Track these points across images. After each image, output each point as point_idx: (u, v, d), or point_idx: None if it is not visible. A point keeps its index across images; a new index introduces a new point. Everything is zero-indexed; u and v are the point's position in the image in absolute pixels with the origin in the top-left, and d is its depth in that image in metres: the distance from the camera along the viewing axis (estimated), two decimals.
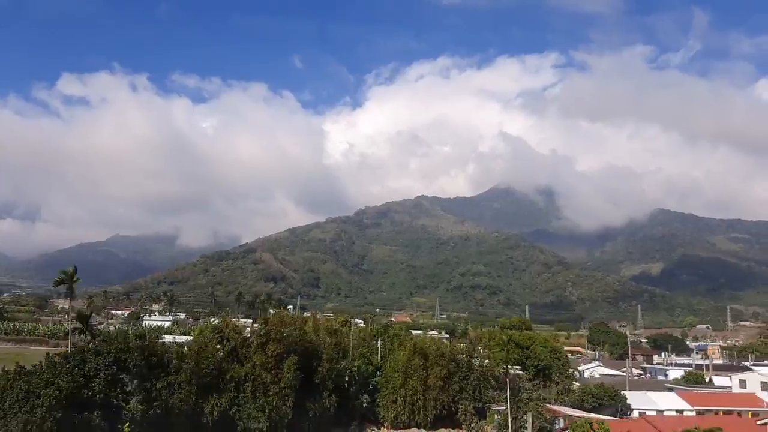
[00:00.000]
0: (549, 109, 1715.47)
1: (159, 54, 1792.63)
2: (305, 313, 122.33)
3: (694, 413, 63.15)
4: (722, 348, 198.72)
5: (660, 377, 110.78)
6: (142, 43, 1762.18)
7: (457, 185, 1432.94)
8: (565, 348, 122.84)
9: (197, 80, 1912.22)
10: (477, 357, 67.78)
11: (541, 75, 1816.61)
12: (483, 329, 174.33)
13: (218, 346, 55.24)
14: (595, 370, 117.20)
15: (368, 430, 59.66)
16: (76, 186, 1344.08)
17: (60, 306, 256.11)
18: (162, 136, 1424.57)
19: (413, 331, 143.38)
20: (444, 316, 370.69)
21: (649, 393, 73.95)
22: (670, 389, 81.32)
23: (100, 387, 46.34)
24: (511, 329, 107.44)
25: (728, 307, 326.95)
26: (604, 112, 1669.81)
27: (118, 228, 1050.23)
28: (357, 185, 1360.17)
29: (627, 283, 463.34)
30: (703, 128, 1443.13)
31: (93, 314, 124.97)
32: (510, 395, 54.30)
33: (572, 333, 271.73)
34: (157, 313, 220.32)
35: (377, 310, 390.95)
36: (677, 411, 65.57)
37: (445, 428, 60.30)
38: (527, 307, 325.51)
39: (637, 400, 68.39)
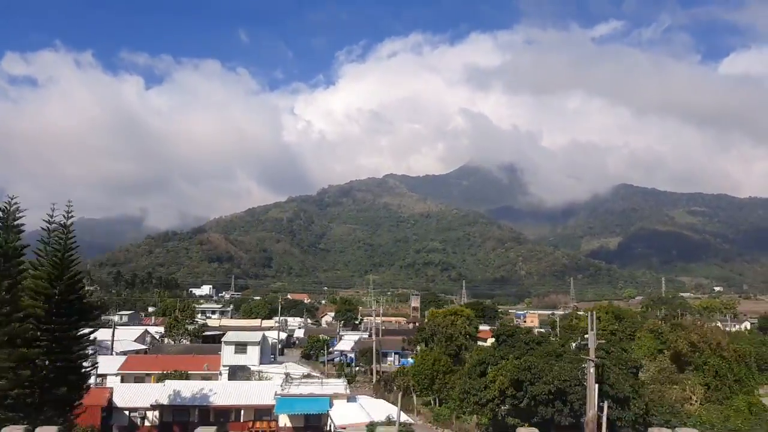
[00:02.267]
0: (516, 84, 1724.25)
1: (103, 31, 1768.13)
2: None
3: None
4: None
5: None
6: (85, 20, 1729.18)
7: (430, 163, 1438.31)
8: None
9: (147, 58, 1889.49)
10: None
11: (512, 50, 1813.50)
12: None
13: None
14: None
15: None
16: (37, 169, 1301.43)
17: None
18: (116, 115, 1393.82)
19: None
20: (389, 293, 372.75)
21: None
22: None
23: None
24: None
25: (662, 278, 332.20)
26: (569, 86, 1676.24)
27: (83, 211, 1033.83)
28: (327, 164, 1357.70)
29: (575, 257, 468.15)
30: (663, 101, 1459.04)
31: None
32: None
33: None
34: None
35: (324, 288, 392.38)
36: None
37: None
38: (463, 282, 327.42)
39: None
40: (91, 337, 38.30)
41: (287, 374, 63.94)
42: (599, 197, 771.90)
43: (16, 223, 33.91)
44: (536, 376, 40.75)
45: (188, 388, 54.16)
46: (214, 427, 19.78)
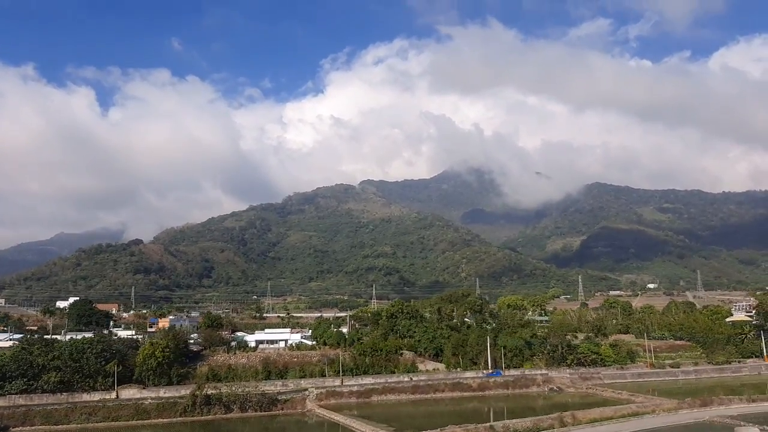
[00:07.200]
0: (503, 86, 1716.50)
1: (53, 45, 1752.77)
2: None
3: None
4: None
5: None
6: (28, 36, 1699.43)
7: (412, 168, 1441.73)
8: None
9: (96, 71, 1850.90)
10: None
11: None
12: None
13: None
14: None
15: None
16: (11, 186, 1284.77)
17: None
18: (82, 131, 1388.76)
19: None
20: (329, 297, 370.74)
21: None
22: None
23: None
24: None
25: (579, 277, 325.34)
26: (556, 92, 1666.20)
27: (62, 226, 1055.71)
28: (305, 174, 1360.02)
29: (515, 258, 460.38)
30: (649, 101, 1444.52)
31: None
32: None
33: None
34: None
35: (254, 297, 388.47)
36: None
37: None
38: (374, 286, 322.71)
39: None
40: None
41: None
42: (571, 197, 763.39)
43: None
44: None
45: None
46: None
